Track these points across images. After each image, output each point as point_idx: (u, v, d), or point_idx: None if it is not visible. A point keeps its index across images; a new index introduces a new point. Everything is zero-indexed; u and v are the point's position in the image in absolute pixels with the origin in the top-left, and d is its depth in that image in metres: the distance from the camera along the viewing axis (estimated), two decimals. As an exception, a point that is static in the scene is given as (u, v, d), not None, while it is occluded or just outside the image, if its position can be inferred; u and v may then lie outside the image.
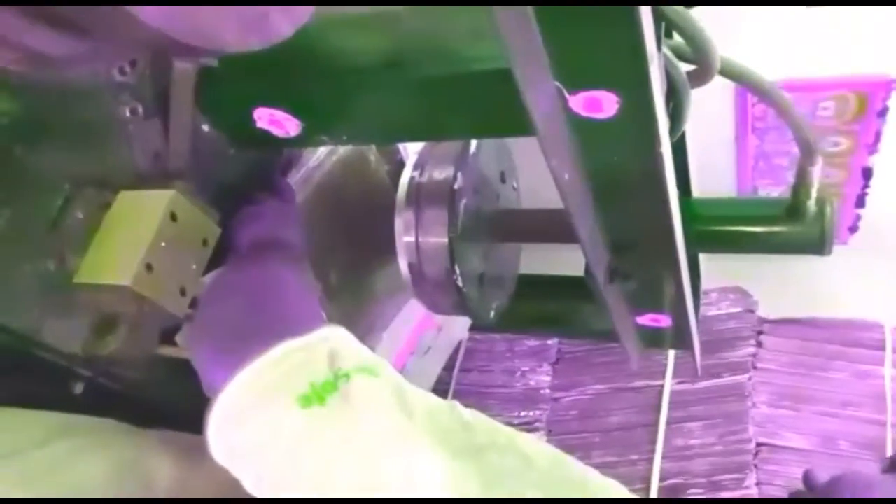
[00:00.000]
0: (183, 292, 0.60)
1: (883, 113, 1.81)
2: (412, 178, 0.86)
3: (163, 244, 0.57)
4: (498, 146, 0.97)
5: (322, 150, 0.88)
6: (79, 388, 0.62)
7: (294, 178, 0.84)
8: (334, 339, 0.49)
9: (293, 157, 0.88)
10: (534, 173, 1.08)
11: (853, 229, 2.18)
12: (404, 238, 0.86)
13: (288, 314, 0.54)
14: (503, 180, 0.98)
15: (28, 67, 0.52)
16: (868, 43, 1.53)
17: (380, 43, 0.65)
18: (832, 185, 2.05)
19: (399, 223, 0.86)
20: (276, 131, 0.74)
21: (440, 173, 0.85)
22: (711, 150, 2.00)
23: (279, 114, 0.71)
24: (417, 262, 0.86)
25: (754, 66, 0.64)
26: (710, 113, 1.93)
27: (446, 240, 0.83)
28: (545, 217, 0.94)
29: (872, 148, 1.97)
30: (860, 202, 2.14)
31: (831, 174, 2.03)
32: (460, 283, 0.85)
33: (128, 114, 0.63)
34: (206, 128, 0.74)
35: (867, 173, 2.05)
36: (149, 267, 0.56)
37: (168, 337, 0.66)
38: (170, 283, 0.59)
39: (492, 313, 0.97)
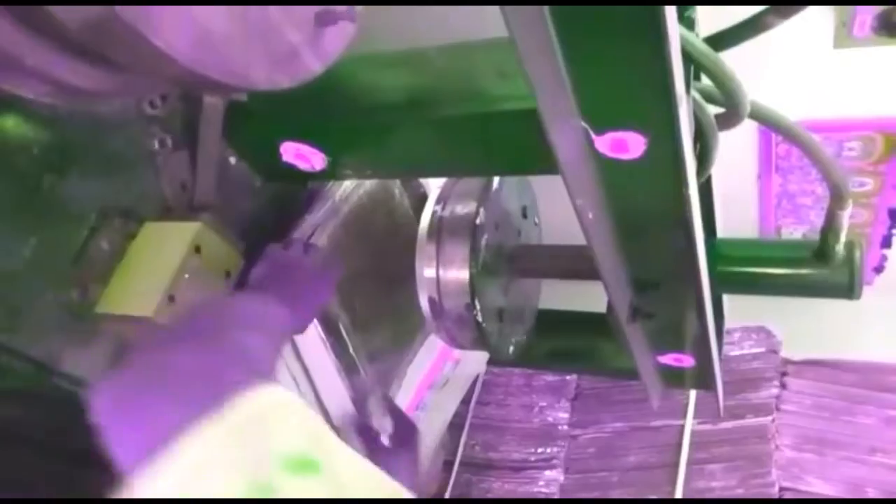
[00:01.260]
0: (204, 324, 0.60)
1: (910, 153, 1.79)
2: (434, 213, 0.85)
3: (186, 276, 0.58)
4: (520, 182, 0.96)
5: (348, 184, 0.89)
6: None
7: (320, 210, 0.84)
8: (272, 408, 0.41)
9: (317, 192, 0.89)
10: (555, 209, 1.08)
11: (879, 270, 2.15)
12: (425, 272, 0.86)
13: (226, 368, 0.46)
14: (525, 216, 0.98)
15: (60, 100, 0.53)
16: (895, 83, 1.52)
17: (407, 81, 0.66)
18: (858, 226, 2.02)
19: (420, 257, 0.85)
20: (302, 165, 0.74)
21: (463, 208, 0.84)
22: (734, 188, 1.99)
23: (305, 148, 0.72)
24: (437, 296, 0.85)
25: (779, 106, 0.63)
26: (733, 151, 1.92)
27: (467, 275, 0.82)
28: (566, 253, 0.93)
29: (899, 188, 1.94)
30: (886, 242, 2.11)
31: (857, 214, 2.00)
32: (480, 319, 0.84)
33: (157, 146, 0.64)
34: (233, 160, 0.75)
35: (894, 214, 2.03)
36: (171, 299, 0.57)
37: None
38: (191, 314, 0.59)
39: (511, 348, 0.96)
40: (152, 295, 0.55)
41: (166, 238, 0.59)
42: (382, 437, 0.91)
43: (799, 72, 1.49)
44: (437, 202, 0.86)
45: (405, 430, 0.93)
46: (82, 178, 0.58)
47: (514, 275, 0.94)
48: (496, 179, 0.87)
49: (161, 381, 0.42)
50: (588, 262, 0.86)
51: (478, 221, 0.83)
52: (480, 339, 0.88)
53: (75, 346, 0.58)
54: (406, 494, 0.41)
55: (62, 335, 0.57)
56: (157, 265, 0.57)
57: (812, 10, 1.43)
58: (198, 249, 0.59)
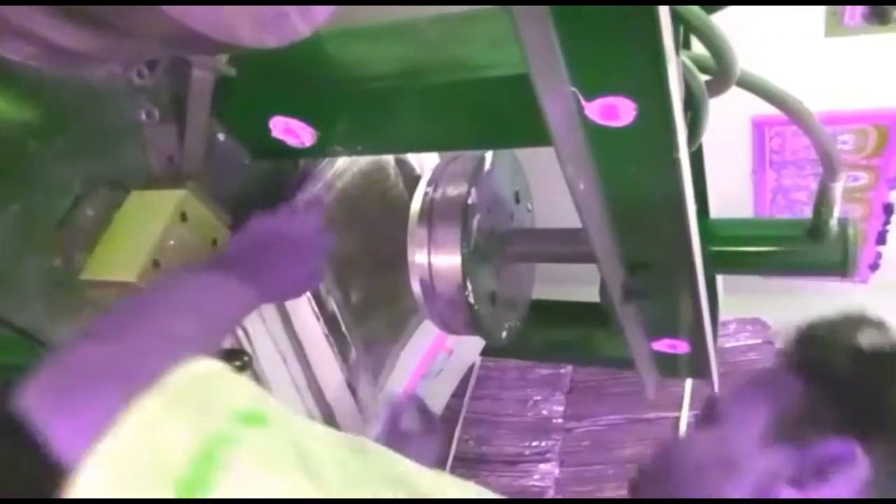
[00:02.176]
0: (190, 293, 0.60)
1: (903, 146, 1.79)
2: (426, 194, 0.85)
3: (171, 242, 0.57)
4: (512, 167, 0.96)
5: (341, 163, 0.88)
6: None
7: (313, 189, 0.83)
8: (209, 376, 0.41)
9: (309, 172, 0.88)
10: (549, 200, 1.08)
11: (874, 267, 2.14)
12: (417, 254, 0.85)
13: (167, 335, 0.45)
14: (517, 201, 0.98)
15: (47, 63, 0.52)
16: (888, 75, 1.52)
17: (396, 52, 0.66)
18: (852, 221, 2.01)
19: (411, 240, 0.85)
20: (292, 141, 0.74)
21: (454, 190, 0.84)
22: (729, 184, 1.99)
23: (294, 123, 0.71)
24: (429, 278, 0.84)
25: None
26: (728, 147, 1.92)
27: (459, 255, 0.82)
28: (559, 237, 0.93)
29: (893, 183, 1.94)
30: (881, 239, 2.10)
31: (851, 210, 2.00)
32: (472, 301, 0.84)
33: (144, 117, 0.63)
34: (221, 137, 0.74)
35: (888, 209, 2.02)
36: (156, 264, 0.56)
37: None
38: (177, 282, 0.58)
39: (504, 333, 0.95)
40: (136, 260, 0.55)
41: (152, 205, 0.59)
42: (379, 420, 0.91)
43: (791, 62, 1.49)
44: (429, 184, 0.86)
45: (426, 419, 0.94)
46: (68, 146, 0.57)
47: (507, 258, 0.94)
48: (488, 161, 0.87)
49: (79, 377, 0.41)
50: (580, 244, 0.86)
51: (469, 202, 0.82)
52: (473, 323, 0.87)
53: (59, 315, 0.57)
54: (371, 448, 0.40)
55: (46, 302, 0.56)
56: (142, 231, 0.57)
57: (804, -1, 1.44)
58: (184, 217, 0.59)
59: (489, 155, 0.87)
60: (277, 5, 0.50)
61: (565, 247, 0.91)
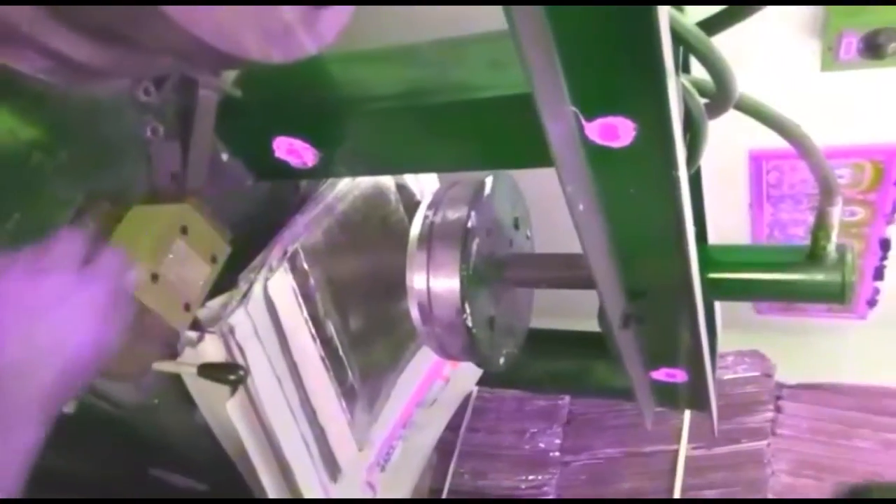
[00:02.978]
0: (187, 307, 0.60)
1: (899, 181, 1.80)
2: (426, 218, 0.85)
3: (170, 256, 0.57)
4: (512, 193, 0.97)
5: (342, 186, 0.89)
6: (70, 407, 0.60)
7: (314, 210, 0.84)
8: None
9: (310, 195, 0.89)
10: (549, 225, 1.08)
11: (872, 303, 2.13)
12: (415, 277, 0.85)
13: None
14: (516, 227, 0.98)
15: (58, 77, 0.53)
16: (884, 110, 1.54)
17: (398, 73, 0.67)
18: (849, 256, 2.01)
19: (411, 263, 0.85)
20: (295, 162, 0.75)
21: (454, 213, 0.84)
22: (726, 217, 2.00)
23: (297, 143, 0.72)
24: (427, 301, 0.84)
25: (769, 132, 0.63)
26: (725, 181, 1.94)
27: (458, 278, 0.82)
28: (557, 261, 0.93)
29: (890, 218, 1.95)
30: (879, 274, 2.10)
31: (847, 245, 2.00)
32: (470, 324, 0.83)
33: (149, 133, 0.64)
34: (225, 157, 0.75)
35: (885, 244, 2.02)
36: (154, 277, 0.56)
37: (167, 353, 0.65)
38: (174, 295, 0.58)
39: (501, 360, 0.95)
40: (135, 272, 0.55)
41: (152, 218, 0.59)
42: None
43: (787, 96, 1.51)
44: (429, 208, 0.86)
45: None
46: (71, 159, 0.58)
47: (506, 283, 0.94)
48: (488, 185, 0.87)
49: None
50: (578, 269, 0.86)
51: (469, 225, 0.82)
52: (470, 348, 0.86)
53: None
54: None
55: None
56: (142, 244, 0.57)
57: (799, 34, 1.46)
58: (184, 230, 0.59)
59: (489, 180, 0.88)
60: (284, 21, 0.51)
61: (563, 271, 0.91)
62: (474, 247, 0.84)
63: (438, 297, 0.83)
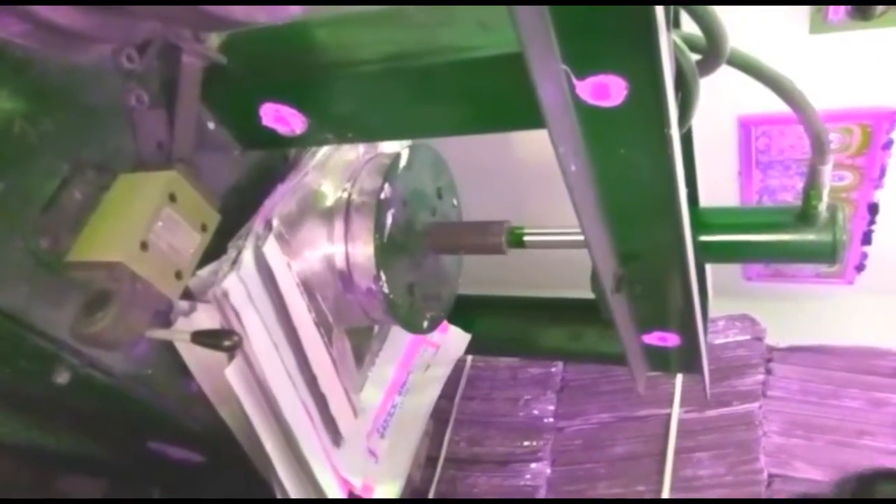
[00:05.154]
0: (178, 276, 0.59)
1: (888, 146, 1.80)
2: (343, 190, 0.88)
3: (160, 224, 0.56)
4: (434, 163, 0.99)
5: (322, 155, 0.89)
6: (63, 378, 0.60)
7: (295, 178, 0.84)
8: None
9: (295, 163, 0.88)
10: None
11: (860, 268, 2.15)
12: (335, 248, 0.87)
13: None
14: (440, 196, 1.00)
15: (36, 42, 0.52)
16: (873, 73, 1.54)
17: (386, 36, 0.66)
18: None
19: (329, 234, 0.87)
20: (282, 129, 0.74)
21: (369, 185, 0.87)
22: (715, 184, 1.99)
23: (285, 109, 0.71)
24: (347, 269, 0.87)
25: (757, 96, 0.62)
26: (714, 147, 1.93)
27: (371, 247, 0.84)
28: (474, 229, 0.95)
29: (878, 182, 1.95)
30: (866, 239, 2.11)
31: (836, 209, 2.00)
32: (386, 290, 0.85)
33: (133, 101, 0.63)
34: (211, 125, 0.74)
35: (873, 209, 2.03)
36: (144, 245, 0.55)
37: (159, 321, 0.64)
38: (165, 263, 0.58)
39: (425, 323, 0.98)
40: (124, 240, 0.54)
41: (140, 186, 0.58)
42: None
43: (775, 59, 1.51)
44: (348, 180, 0.89)
45: None
46: (55, 128, 0.57)
47: (428, 251, 0.97)
48: (404, 157, 0.90)
49: None
50: (493, 236, 0.90)
51: (382, 196, 0.85)
52: (390, 311, 0.89)
53: (44, 297, 0.56)
54: None
55: (30, 283, 0.55)
56: (131, 212, 0.56)
57: (789, -5, 1.44)
58: (173, 198, 0.58)
59: (405, 152, 0.92)
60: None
61: (478, 238, 0.94)
62: (389, 217, 0.87)
63: (356, 267, 0.86)
